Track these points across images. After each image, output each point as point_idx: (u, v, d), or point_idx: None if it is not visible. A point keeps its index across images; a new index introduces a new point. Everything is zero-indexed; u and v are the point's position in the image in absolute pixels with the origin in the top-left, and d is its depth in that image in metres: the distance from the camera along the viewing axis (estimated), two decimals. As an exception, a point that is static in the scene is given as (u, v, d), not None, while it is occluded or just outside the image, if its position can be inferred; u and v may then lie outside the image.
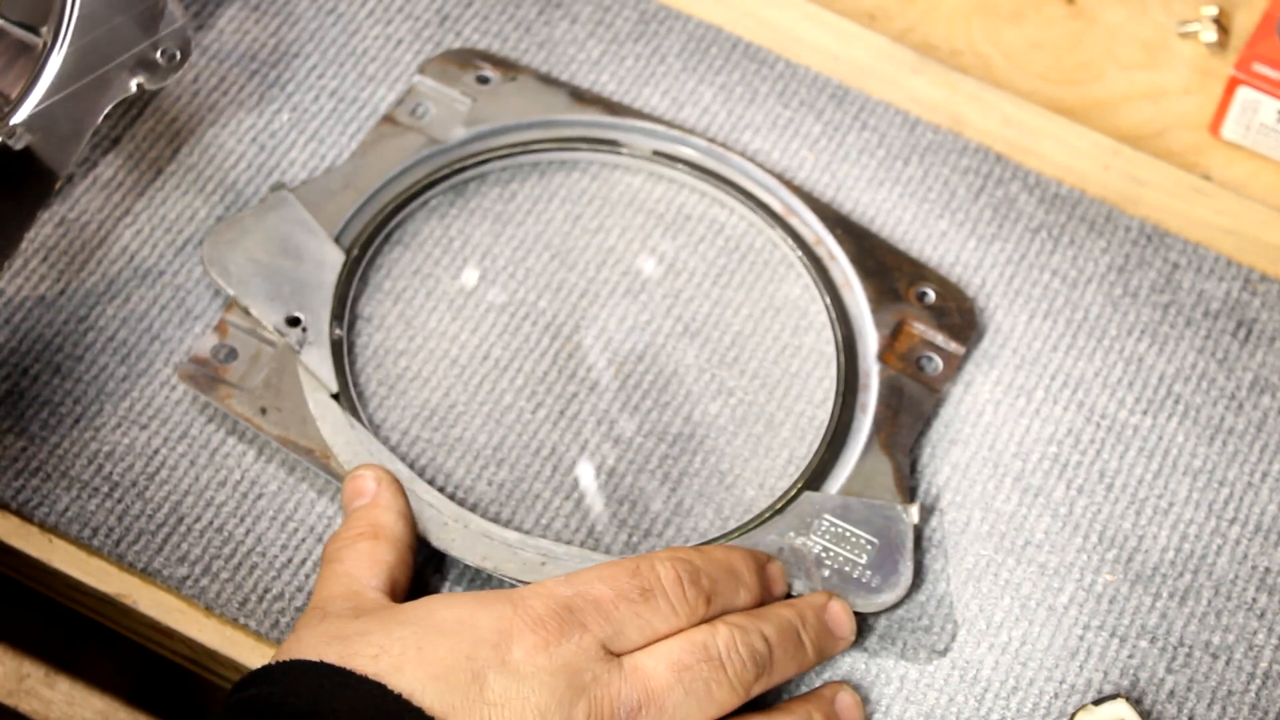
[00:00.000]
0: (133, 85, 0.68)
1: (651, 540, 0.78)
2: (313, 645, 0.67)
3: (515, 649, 0.67)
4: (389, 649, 0.66)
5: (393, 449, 0.78)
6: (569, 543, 0.77)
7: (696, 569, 0.71)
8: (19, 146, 0.64)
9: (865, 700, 0.75)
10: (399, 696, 0.65)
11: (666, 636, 0.69)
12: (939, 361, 0.82)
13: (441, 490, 0.77)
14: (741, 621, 0.71)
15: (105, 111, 0.67)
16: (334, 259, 0.81)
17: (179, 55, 0.68)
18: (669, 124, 0.86)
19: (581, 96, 0.86)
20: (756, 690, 0.70)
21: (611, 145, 0.85)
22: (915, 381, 0.81)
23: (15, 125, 0.63)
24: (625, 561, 0.71)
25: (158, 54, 0.68)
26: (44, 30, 0.63)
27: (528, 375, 0.82)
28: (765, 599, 0.73)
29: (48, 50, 0.64)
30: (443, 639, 0.67)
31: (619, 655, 0.68)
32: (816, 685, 0.75)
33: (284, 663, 0.67)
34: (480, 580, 0.77)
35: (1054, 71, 0.92)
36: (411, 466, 0.78)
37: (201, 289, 0.82)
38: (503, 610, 0.68)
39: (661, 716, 0.68)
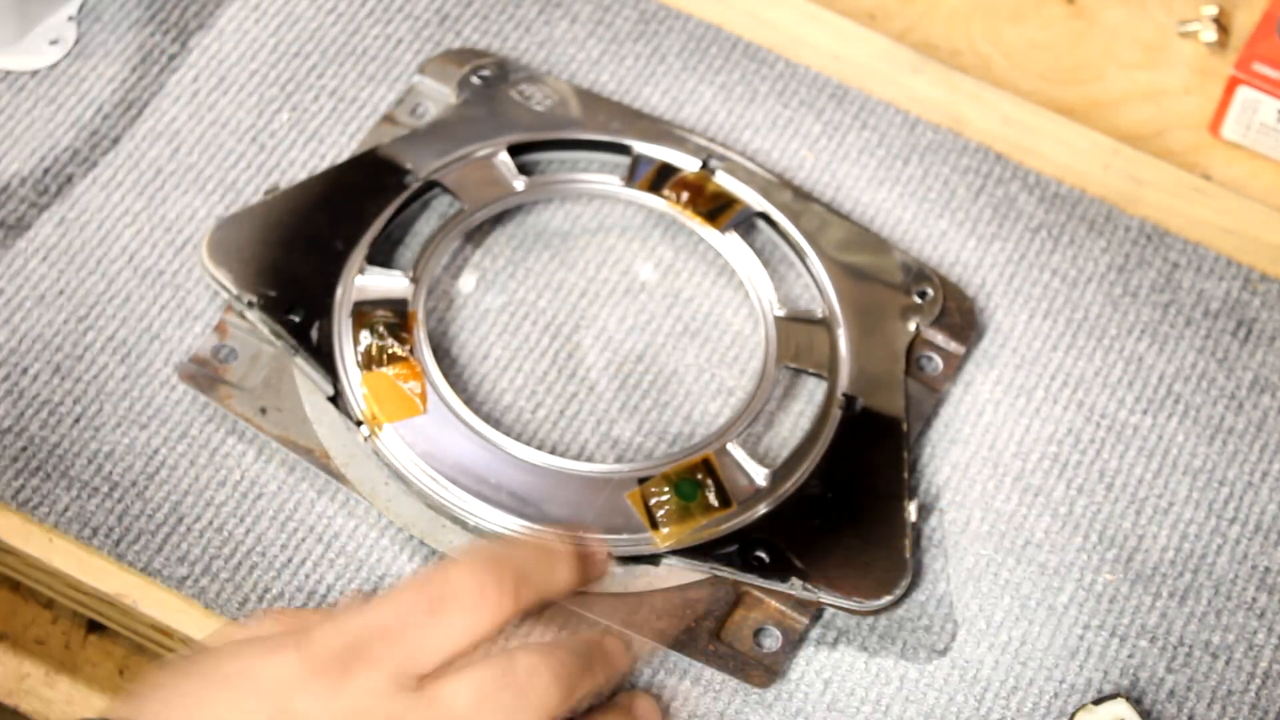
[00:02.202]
0: (911, 327, 0.81)
1: (651, 540, 0.78)
2: (125, 700, 0.66)
3: (298, 700, 0.64)
4: (171, 704, 0.64)
5: (391, 449, 0.78)
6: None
7: (497, 562, 0.67)
8: (858, 409, 0.79)
9: (865, 700, 0.75)
10: None
11: (470, 646, 0.66)
12: (939, 361, 0.82)
13: (439, 491, 0.77)
14: (543, 644, 0.68)
15: (904, 354, 0.81)
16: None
17: (929, 291, 0.82)
18: (665, 128, 0.86)
19: (584, 96, 0.86)
20: (560, 713, 0.67)
21: (618, 150, 0.86)
22: (915, 381, 0.81)
23: (843, 394, 0.79)
24: (418, 574, 0.68)
25: (913, 297, 0.81)
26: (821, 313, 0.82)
27: (528, 375, 0.82)
28: (588, 578, 0.70)
29: (835, 329, 0.81)
30: (224, 693, 0.64)
31: (421, 679, 0.65)
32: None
33: None
34: (480, 580, 0.77)
35: (1054, 71, 0.92)
36: (409, 466, 0.78)
37: (201, 289, 0.82)
38: (286, 657, 0.65)
39: None
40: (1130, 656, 0.77)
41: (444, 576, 0.66)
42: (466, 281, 0.84)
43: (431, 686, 0.65)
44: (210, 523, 0.78)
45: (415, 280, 0.81)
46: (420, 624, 0.65)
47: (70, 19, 0.88)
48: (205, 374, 0.79)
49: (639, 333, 0.83)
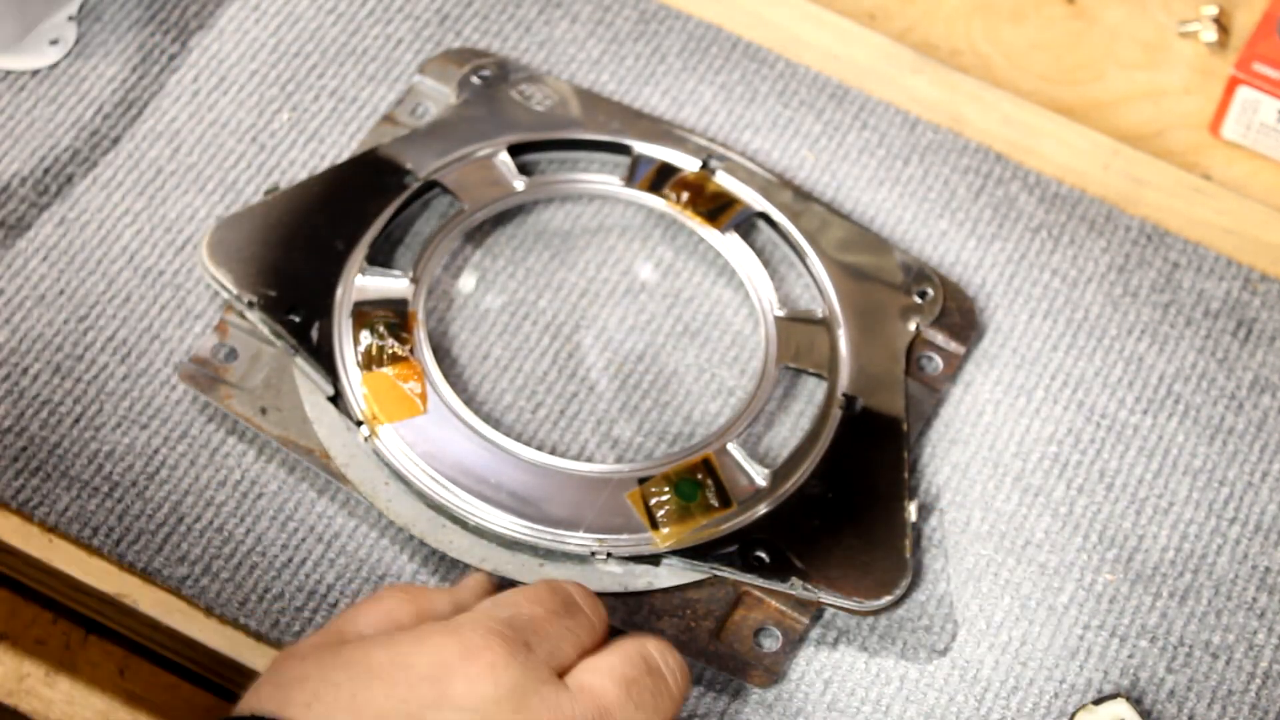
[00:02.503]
0: (911, 327, 0.81)
1: (651, 540, 0.78)
2: (263, 689, 0.65)
3: (456, 683, 0.64)
4: (322, 696, 0.63)
5: (391, 449, 0.78)
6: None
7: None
8: (858, 409, 0.79)
9: (865, 700, 0.75)
10: None
11: (592, 650, 0.68)
12: (939, 361, 0.82)
13: (439, 491, 0.77)
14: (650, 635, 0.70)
15: (904, 354, 0.81)
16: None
17: (929, 292, 0.82)
18: (665, 127, 0.86)
19: (584, 96, 0.86)
20: (685, 696, 0.69)
21: (618, 150, 0.86)
22: (915, 381, 0.81)
23: (843, 394, 0.79)
24: (531, 585, 0.69)
25: (913, 297, 0.81)
26: (822, 313, 0.82)
27: (528, 375, 0.82)
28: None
29: (835, 329, 0.81)
30: (378, 683, 0.64)
31: (560, 674, 0.66)
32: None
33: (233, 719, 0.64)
34: (480, 580, 0.77)
35: (1054, 71, 0.92)
36: (409, 466, 0.78)
37: (201, 289, 0.82)
38: (441, 642, 0.65)
39: None
40: (1130, 656, 0.77)
41: (562, 587, 0.69)
42: (466, 281, 0.84)
43: (573, 676, 0.66)
44: (210, 523, 0.78)
45: (415, 280, 0.81)
46: (560, 620, 0.67)
47: (70, 19, 0.88)
48: (205, 374, 0.79)
49: (639, 333, 0.83)
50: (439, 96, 0.87)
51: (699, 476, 0.77)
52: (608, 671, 0.66)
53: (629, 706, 0.66)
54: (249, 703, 0.65)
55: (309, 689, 0.64)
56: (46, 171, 0.84)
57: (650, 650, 0.68)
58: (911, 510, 0.77)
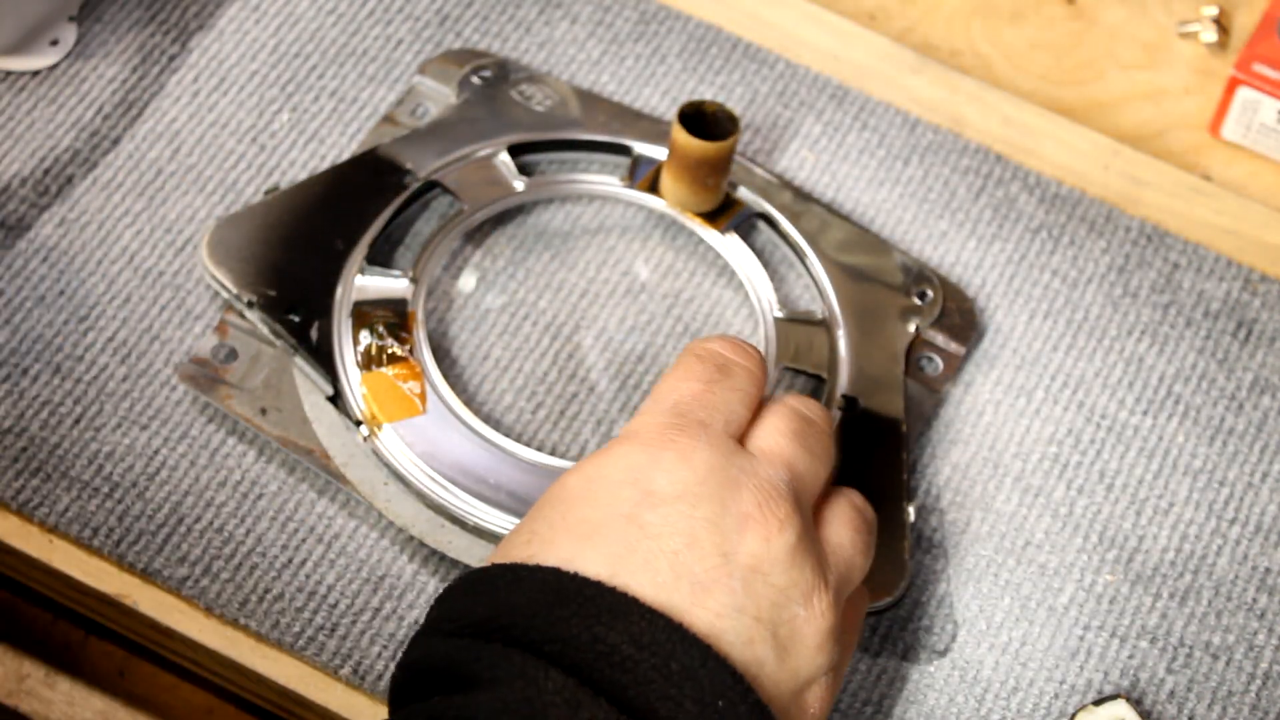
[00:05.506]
0: (911, 328, 0.81)
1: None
2: (502, 552, 0.68)
3: (656, 479, 0.66)
4: (537, 531, 0.66)
5: (391, 449, 0.78)
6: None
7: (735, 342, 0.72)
8: (858, 410, 0.79)
9: (865, 700, 0.75)
10: (552, 569, 0.64)
11: (759, 397, 0.70)
12: (939, 362, 0.82)
13: (439, 491, 0.77)
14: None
15: (904, 355, 0.81)
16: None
17: (929, 293, 0.82)
18: (665, 128, 0.86)
19: (584, 96, 0.86)
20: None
21: (618, 150, 0.86)
22: (915, 382, 0.81)
23: (843, 395, 0.79)
24: (680, 360, 0.70)
25: (913, 299, 0.81)
26: (821, 313, 0.82)
27: (528, 375, 0.82)
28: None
29: (835, 330, 0.81)
30: (581, 501, 0.66)
31: (740, 437, 0.69)
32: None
33: (462, 578, 0.66)
34: (480, 580, 0.77)
35: (1054, 72, 0.92)
36: (408, 466, 0.78)
37: (201, 289, 0.82)
38: (623, 451, 0.67)
39: (803, 483, 0.68)
40: (1130, 657, 0.77)
41: (707, 349, 0.70)
42: (466, 281, 0.84)
43: (751, 442, 0.69)
44: (210, 523, 0.78)
45: (415, 280, 0.81)
46: (722, 386, 0.69)
47: (70, 19, 0.88)
48: (205, 374, 0.79)
49: (639, 333, 0.83)
50: (439, 97, 0.87)
51: None
52: (777, 431, 0.69)
53: (804, 455, 0.69)
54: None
55: (523, 532, 0.67)
56: (46, 172, 0.84)
57: (797, 405, 0.70)
58: (911, 511, 0.77)
